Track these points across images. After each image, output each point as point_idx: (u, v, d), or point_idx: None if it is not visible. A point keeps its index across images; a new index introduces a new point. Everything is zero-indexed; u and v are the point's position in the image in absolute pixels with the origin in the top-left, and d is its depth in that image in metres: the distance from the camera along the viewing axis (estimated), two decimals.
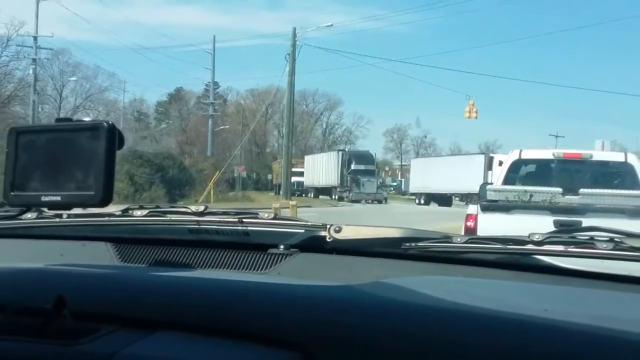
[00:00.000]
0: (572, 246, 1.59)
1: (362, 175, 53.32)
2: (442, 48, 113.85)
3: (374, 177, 54.55)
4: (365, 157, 56.54)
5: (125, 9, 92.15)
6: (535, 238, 1.61)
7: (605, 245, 1.56)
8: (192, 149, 63.04)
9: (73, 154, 1.32)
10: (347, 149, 63.21)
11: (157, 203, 29.82)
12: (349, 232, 1.76)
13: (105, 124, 1.30)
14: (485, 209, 8.08)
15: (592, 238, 1.61)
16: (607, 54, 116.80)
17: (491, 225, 7.69)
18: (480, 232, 7.76)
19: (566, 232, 1.70)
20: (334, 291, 1.26)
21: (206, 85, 61.93)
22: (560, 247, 1.60)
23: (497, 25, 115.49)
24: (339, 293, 1.24)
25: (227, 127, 66.11)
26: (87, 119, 1.40)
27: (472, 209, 8.23)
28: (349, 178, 53.12)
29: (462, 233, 8.06)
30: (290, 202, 18.77)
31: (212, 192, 36.07)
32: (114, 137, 1.30)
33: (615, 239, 1.58)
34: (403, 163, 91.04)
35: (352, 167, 53.71)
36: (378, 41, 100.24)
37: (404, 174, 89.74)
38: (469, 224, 8.05)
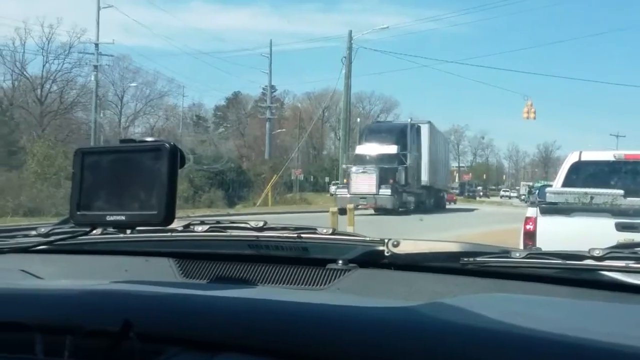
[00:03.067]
0: (633, 262, 1.57)
1: None
2: (499, 48, 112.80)
3: None
4: None
5: (183, 14, 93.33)
6: (596, 253, 1.59)
7: None
8: (250, 153, 63.50)
9: (136, 174, 1.35)
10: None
11: (217, 206, 30.30)
12: (407, 247, 1.77)
13: (167, 144, 1.34)
14: (544, 211, 7.95)
15: None
16: None
17: (551, 228, 7.57)
18: (540, 236, 7.64)
19: (628, 247, 1.68)
20: (393, 313, 1.26)
21: (263, 88, 62.30)
22: (622, 263, 1.58)
23: (554, 24, 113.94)
24: (399, 315, 1.24)
25: (284, 130, 66.40)
26: (149, 139, 1.43)
27: (531, 211, 8.10)
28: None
29: (521, 236, 7.97)
30: (348, 206, 18.69)
31: (269, 194, 36.29)
32: (175, 157, 1.33)
33: None
34: (460, 164, 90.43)
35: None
36: (433, 42, 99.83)
37: (462, 175, 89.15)
38: (528, 227, 7.94)
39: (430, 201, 38.75)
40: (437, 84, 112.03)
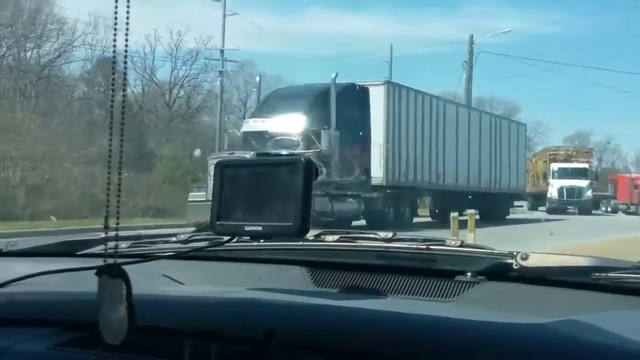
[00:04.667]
0: None
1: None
2: (625, 51, 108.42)
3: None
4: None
5: (304, 20, 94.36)
6: None
7: None
8: None
9: (273, 186, 1.41)
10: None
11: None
12: (537, 260, 1.75)
13: (302, 158, 1.39)
14: None
15: None
16: None
17: None
18: None
19: None
20: (527, 329, 1.26)
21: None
22: None
23: None
24: (532, 332, 1.24)
25: None
26: (284, 152, 1.50)
27: None
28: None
29: None
30: (469, 211, 18.41)
31: None
32: (310, 170, 1.37)
33: None
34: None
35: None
36: (555, 45, 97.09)
37: None
38: None
39: (405, 209, 25.13)
40: (560, 88, 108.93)
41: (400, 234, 2.02)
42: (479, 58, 41.42)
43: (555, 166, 47.44)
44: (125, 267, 1.12)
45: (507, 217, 33.20)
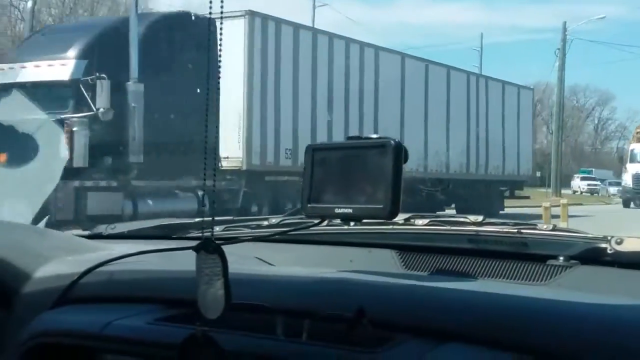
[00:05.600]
0: None
1: None
2: None
3: None
4: None
5: (394, 10, 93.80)
6: None
7: None
8: None
9: (363, 169, 1.43)
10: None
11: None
12: (632, 244, 1.72)
13: (392, 141, 1.39)
14: None
15: None
16: None
17: None
18: None
19: None
20: (622, 311, 1.24)
21: None
22: None
23: None
24: (628, 314, 1.22)
25: None
26: (374, 136, 1.51)
27: None
28: None
29: None
30: (561, 201, 18.04)
31: None
32: (400, 153, 1.38)
33: None
34: None
35: None
36: None
37: None
38: None
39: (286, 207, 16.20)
40: None
41: (490, 218, 2.01)
42: (572, 45, 40.44)
43: (635, 147, 37.87)
44: None
45: (501, 212, 24.55)
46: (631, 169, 36.39)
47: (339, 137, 17.68)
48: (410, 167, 19.15)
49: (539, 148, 69.51)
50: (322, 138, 17.34)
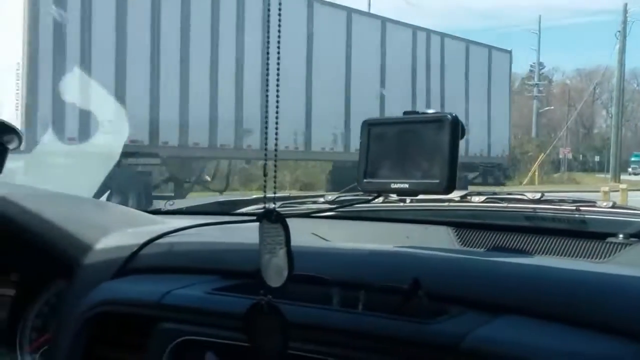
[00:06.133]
0: None
1: None
2: None
3: None
4: None
5: None
6: None
7: None
8: (516, 131, 62.23)
9: (419, 144, 1.42)
10: None
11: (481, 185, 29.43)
12: None
13: (449, 116, 1.39)
14: None
15: None
16: None
17: None
18: None
19: None
20: None
21: (531, 66, 60.61)
22: None
23: None
24: None
25: (551, 108, 64.23)
26: (430, 111, 1.51)
27: None
28: None
29: None
30: (620, 186, 17.68)
31: (536, 173, 35.36)
32: (457, 128, 1.37)
33: None
34: None
35: None
36: None
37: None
38: None
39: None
40: None
41: (549, 196, 1.99)
42: (633, 28, 39.60)
43: None
44: None
45: None
46: None
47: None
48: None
49: (597, 133, 68.40)
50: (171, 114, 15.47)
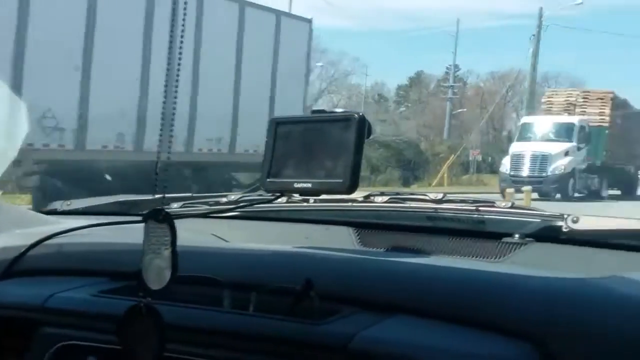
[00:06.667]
0: None
1: None
2: None
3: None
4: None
5: None
6: None
7: None
8: (429, 132, 63.20)
9: (325, 143, 1.41)
10: None
11: (392, 185, 29.74)
12: (588, 223, 1.73)
13: (356, 115, 1.38)
14: None
15: None
16: None
17: None
18: None
19: None
20: (569, 283, 1.25)
21: (447, 68, 61.77)
22: None
23: None
24: (574, 285, 1.23)
25: (464, 110, 65.50)
26: (338, 110, 1.49)
27: None
28: None
29: None
30: (524, 188, 18.01)
31: (445, 175, 35.97)
32: (363, 127, 1.37)
33: None
34: None
35: None
36: (629, 18, 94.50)
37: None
38: None
39: None
40: (631, 61, 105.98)
41: (451, 196, 2.00)
42: (547, 32, 40.65)
43: (527, 120, 29.62)
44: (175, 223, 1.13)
45: None
46: (515, 148, 27.17)
47: None
48: None
49: (506, 135, 70.02)
50: None
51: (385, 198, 2.01)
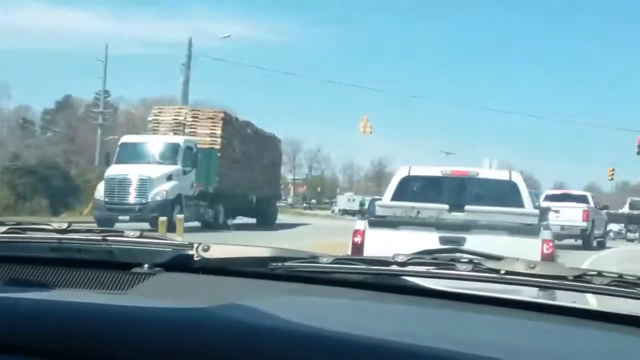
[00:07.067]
0: (433, 267, 1.63)
1: None
2: (341, 62, 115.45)
3: None
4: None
5: (12, 12, 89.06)
6: (399, 259, 1.63)
7: (464, 267, 1.60)
8: (79, 159, 61.60)
9: None
10: None
11: (40, 214, 28.57)
12: (217, 251, 1.74)
13: None
14: (372, 224, 8.21)
15: (453, 260, 1.65)
16: (498, 72, 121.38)
17: (378, 241, 7.80)
18: (367, 248, 7.84)
19: (429, 254, 1.73)
20: (186, 314, 1.25)
21: (97, 93, 60.68)
22: (423, 268, 1.63)
23: (391, 41, 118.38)
24: (191, 316, 1.24)
25: (116, 137, 64.96)
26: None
27: (360, 224, 8.33)
28: None
29: (350, 248, 8.12)
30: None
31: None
32: None
33: (474, 261, 1.62)
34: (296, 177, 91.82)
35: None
36: (277, 53, 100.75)
37: (297, 188, 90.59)
38: (356, 239, 8.15)
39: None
40: (279, 95, 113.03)
41: (77, 225, 1.90)
42: (198, 62, 42.08)
43: (125, 140, 27.02)
44: None
45: None
46: (110, 172, 24.90)
47: None
48: None
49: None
50: None
51: (4, 228, 1.86)
